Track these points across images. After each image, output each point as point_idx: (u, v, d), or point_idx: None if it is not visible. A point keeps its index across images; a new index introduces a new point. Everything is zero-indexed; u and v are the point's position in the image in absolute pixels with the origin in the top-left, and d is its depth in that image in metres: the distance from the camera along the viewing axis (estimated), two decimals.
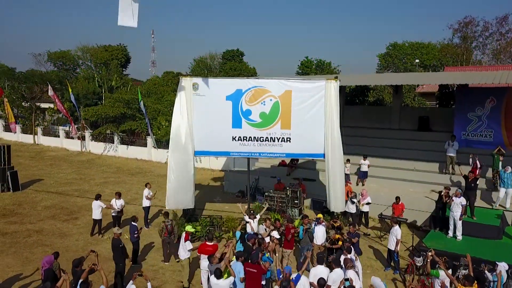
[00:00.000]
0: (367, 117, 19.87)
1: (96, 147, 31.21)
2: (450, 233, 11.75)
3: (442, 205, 12.29)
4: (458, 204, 11.32)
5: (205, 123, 13.79)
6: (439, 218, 12.38)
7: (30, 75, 35.68)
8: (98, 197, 13.29)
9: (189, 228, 10.98)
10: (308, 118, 13.55)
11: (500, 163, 13.71)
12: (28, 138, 36.38)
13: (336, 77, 13.67)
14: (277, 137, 13.72)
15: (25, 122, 37.94)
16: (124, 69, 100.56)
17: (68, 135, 33.35)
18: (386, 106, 22.10)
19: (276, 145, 13.78)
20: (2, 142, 37.47)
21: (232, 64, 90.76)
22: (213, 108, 13.72)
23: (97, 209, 13.20)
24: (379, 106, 21.77)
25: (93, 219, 13.42)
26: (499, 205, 13.37)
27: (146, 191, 14.63)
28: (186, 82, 13.70)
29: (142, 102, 26.01)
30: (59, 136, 34.10)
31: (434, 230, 12.43)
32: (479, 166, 13.80)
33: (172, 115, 13.95)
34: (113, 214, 13.76)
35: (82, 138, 31.89)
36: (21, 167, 23.53)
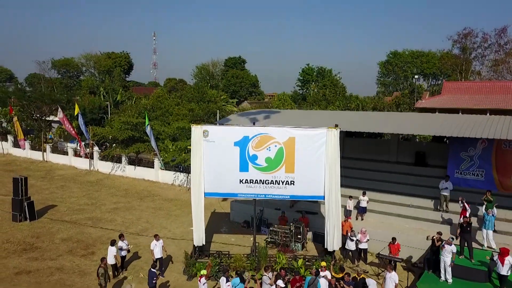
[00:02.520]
0: (366, 150, 20.84)
1: (104, 166, 32.18)
2: (442, 276, 12.71)
3: (436, 249, 13.25)
4: (449, 252, 12.29)
5: (214, 167, 14.80)
6: (433, 260, 13.34)
7: (40, 96, 36.58)
8: (113, 243, 13.97)
9: (203, 272, 12.07)
10: (310, 163, 14.54)
11: (485, 205, 14.63)
12: (37, 155, 37.35)
13: (336, 125, 14.64)
14: (281, 180, 14.71)
15: (33, 138, 38.90)
16: (127, 76, 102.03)
17: (76, 153, 34.32)
18: (384, 139, 23.02)
19: (281, 188, 14.77)
20: (11, 157, 38.61)
21: (234, 72, 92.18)
22: (222, 153, 14.73)
23: (111, 255, 13.77)
24: (378, 139, 22.67)
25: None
26: (487, 246, 14.35)
27: (153, 244, 14.33)
28: (197, 130, 14.72)
29: (148, 126, 27.02)
30: (67, 154, 35.07)
31: (427, 272, 13.39)
32: (468, 209, 14.76)
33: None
34: (121, 254, 14.55)
35: (91, 156, 32.88)
36: (33, 189, 24.53)
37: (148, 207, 22.90)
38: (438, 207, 16.76)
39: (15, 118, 36.13)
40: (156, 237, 14.38)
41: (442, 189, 16.40)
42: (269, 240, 17.00)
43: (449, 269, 12.44)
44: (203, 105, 45.89)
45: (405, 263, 15.14)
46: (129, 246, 14.95)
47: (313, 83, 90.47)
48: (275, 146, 14.63)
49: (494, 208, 14.47)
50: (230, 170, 14.76)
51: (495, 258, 11.90)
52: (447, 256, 12.36)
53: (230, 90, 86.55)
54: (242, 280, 11.67)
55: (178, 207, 22.98)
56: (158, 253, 14.10)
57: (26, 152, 38.18)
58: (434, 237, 13.28)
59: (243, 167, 14.76)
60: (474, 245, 14.35)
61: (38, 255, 15.67)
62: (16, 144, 39.31)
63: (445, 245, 12.49)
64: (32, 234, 17.87)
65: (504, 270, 11.72)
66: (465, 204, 14.85)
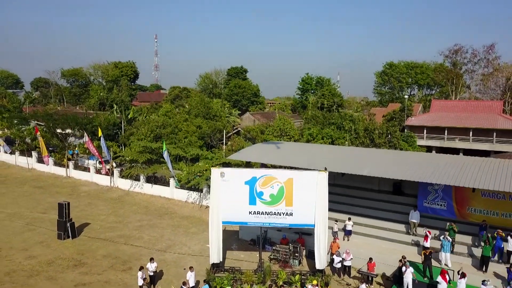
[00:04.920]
0: (352, 177, 24.60)
1: (123, 183, 36.05)
2: None
3: (401, 269, 17.13)
4: (409, 273, 16.19)
5: (229, 201, 18.67)
6: (397, 277, 17.27)
7: (65, 119, 40.44)
8: (141, 268, 17.48)
9: None
10: (305, 198, 18.37)
11: (448, 233, 18.54)
12: (60, 171, 41.21)
13: (325, 169, 18.51)
14: (282, 212, 18.58)
15: (57, 155, 42.73)
16: (132, 84, 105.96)
17: (98, 171, 38.16)
18: None
19: (282, 218, 18.63)
20: (36, 173, 42.48)
21: (237, 82, 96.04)
22: (235, 190, 18.60)
23: (140, 278, 17.19)
24: None
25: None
26: (445, 264, 18.22)
27: (189, 275, 17.13)
28: (215, 171, 18.63)
29: (165, 152, 30.91)
30: (89, 171, 38.94)
31: (395, 286, 17.27)
32: (429, 235, 18.63)
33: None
34: (150, 274, 18.24)
35: (111, 174, 36.73)
36: None
37: (168, 224, 26.75)
38: (409, 231, 20.63)
39: (40, 137, 40.05)
40: (191, 268, 17.39)
41: (412, 217, 20.29)
42: (272, 257, 20.85)
43: (410, 286, 16.30)
44: (210, 122, 49.75)
45: (380, 277, 18.99)
46: (156, 268, 18.42)
47: (311, 94, 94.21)
48: (277, 185, 18.49)
49: (453, 237, 18.40)
50: (241, 203, 18.63)
51: (439, 279, 15.67)
52: (408, 277, 16.24)
53: (232, 100, 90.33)
54: None
55: (194, 224, 26.83)
56: (192, 282, 17.07)
57: (49, 168, 42.08)
58: (401, 260, 17.17)
59: (252, 201, 18.63)
60: (435, 263, 18.20)
61: (87, 270, 19.53)
62: (40, 160, 43.24)
63: (408, 268, 16.34)
64: (77, 252, 21.73)
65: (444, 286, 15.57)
66: (428, 232, 18.74)
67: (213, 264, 19.26)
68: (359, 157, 22.44)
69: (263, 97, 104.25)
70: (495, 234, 18.04)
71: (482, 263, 17.70)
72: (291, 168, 21.96)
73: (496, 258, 18.07)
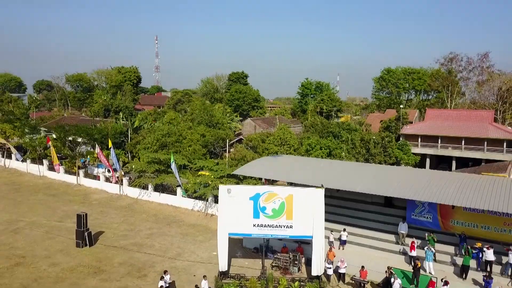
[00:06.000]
0: (347, 190, 26.66)
1: (132, 192, 38.07)
2: None
3: (389, 279, 19.17)
4: (398, 284, 18.21)
5: (235, 215, 20.71)
6: (387, 285, 19.32)
7: (76, 130, 42.50)
8: (161, 278, 19.42)
9: None
10: (303, 212, 20.42)
11: (429, 242, 20.61)
12: (70, 178, 43.21)
13: (322, 185, 20.56)
14: (283, 225, 20.62)
15: (67, 163, 44.75)
16: (135, 88, 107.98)
17: (107, 180, 40.18)
18: None
19: (283, 230, 20.68)
20: (47, 180, 44.50)
21: (238, 87, 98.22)
22: (240, 205, 20.64)
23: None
24: None
25: None
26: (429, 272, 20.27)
27: (203, 283, 18.99)
28: (223, 188, 20.70)
29: (173, 163, 32.96)
30: (99, 179, 40.96)
31: None
32: (415, 245, 20.70)
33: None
34: (166, 286, 20.16)
35: (121, 182, 38.74)
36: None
37: (177, 232, 28.77)
38: (398, 241, 22.68)
39: (52, 147, 42.10)
40: (205, 277, 19.31)
41: (401, 228, 22.34)
42: (274, 264, 22.89)
43: None
44: (213, 131, 51.83)
45: (370, 284, 21.02)
46: (170, 280, 20.33)
47: (311, 98, 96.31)
48: (279, 200, 20.55)
49: (433, 246, 20.45)
50: (246, 217, 20.67)
51: None
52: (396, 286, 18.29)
53: (233, 105, 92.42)
54: None
55: (201, 232, 28.87)
56: None
57: (60, 176, 44.09)
58: (387, 270, 19.26)
59: (256, 215, 20.68)
60: (421, 272, 20.23)
61: (106, 277, 21.56)
62: (50, 168, 45.26)
63: (396, 280, 18.34)
64: (95, 259, 23.75)
65: None
66: (412, 242, 20.83)
67: (220, 272, 21.29)
68: (353, 173, 24.49)
69: (263, 102, 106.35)
70: (474, 245, 20.09)
71: (462, 271, 19.75)
72: (291, 184, 24.01)
73: (475, 266, 20.12)
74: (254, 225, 20.70)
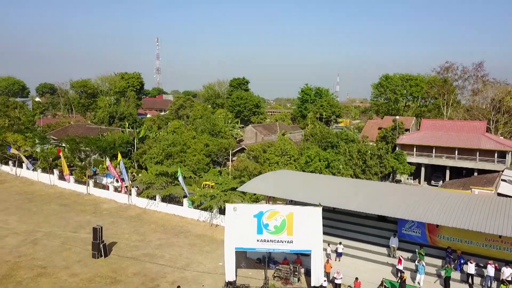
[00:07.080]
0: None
1: (140, 202, 40.06)
2: None
3: None
4: None
5: (241, 231, 22.72)
6: None
7: (86, 143, 44.54)
8: None
9: None
10: (303, 229, 22.42)
11: (418, 256, 22.66)
12: (80, 188, 45.19)
13: (319, 204, 22.59)
14: (284, 240, 22.63)
15: (77, 173, 46.75)
16: (138, 94, 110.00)
17: (116, 190, 42.17)
18: None
19: (284, 245, 22.69)
20: (58, 189, 46.51)
21: (239, 93, 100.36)
22: (245, 222, 22.65)
23: None
24: None
25: None
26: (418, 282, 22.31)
27: None
28: (229, 207, 22.72)
29: (180, 176, 34.99)
30: (108, 189, 42.96)
31: None
32: (402, 259, 22.72)
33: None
34: None
35: (129, 192, 40.74)
36: (90, 227, 32.21)
37: (184, 243, 30.77)
38: (389, 254, 24.71)
39: (63, 158, 44.08)
40: None
41: (392, 242, 24.36)
42: (275, 275, 24.90)
43: None
44: (216, 140, 53.87)
45: None
46: None
47: (311, 104, 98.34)
48: (280, 217, 22.57)
49: (423, 260, 22.47)
50: (250, 233, 22.68)
51: None
52: None
53: (235, 110, 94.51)
54: None
55: (207, 243, 30.87)
56: None
57: (70, 185, 46.08)
58: (380, 283, 21.27)
59: (259, 231, 22.69)
60: (410, 282, 22.23)
61: (123, 287, 23.57)
62: (61, 177, 47.26)
63: None
64: (111, 270, 25.75)
65: None
66: (401, 257, 22.87)
67: (227, 282, 23.29)
68: (349, 190, 26.49)
69: (263, 108, 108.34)
70: (455, 252, 22.28)
71: (445, 284, 21.79)
72: (292, 201, 26.05)
73: (459, 278, 22.15)
74: (258, 240, 22.71)
